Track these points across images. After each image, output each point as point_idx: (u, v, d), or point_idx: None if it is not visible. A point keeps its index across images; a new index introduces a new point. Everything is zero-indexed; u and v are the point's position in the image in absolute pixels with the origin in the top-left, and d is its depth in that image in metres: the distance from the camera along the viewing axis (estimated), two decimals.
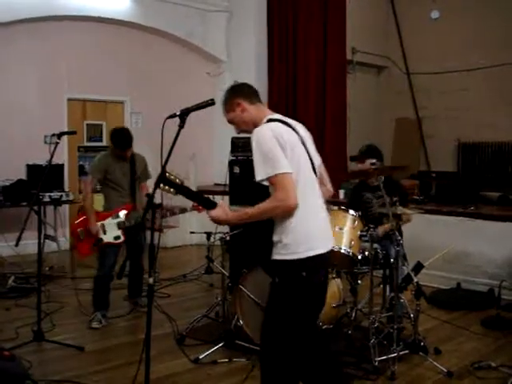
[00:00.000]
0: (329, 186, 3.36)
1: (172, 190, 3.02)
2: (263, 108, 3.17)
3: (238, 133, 3.25)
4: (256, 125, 3.04)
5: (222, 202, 3.04)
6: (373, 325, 4.53)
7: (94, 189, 5.52)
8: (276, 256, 2.94)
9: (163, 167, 2.94)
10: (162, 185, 2.99)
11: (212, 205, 3.00)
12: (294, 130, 3.00)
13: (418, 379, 4.20)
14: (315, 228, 2.97)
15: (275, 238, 2.94)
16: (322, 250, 2.96)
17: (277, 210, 2.84)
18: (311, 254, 2.89)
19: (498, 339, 5.05)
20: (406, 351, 4.48)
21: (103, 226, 5.35)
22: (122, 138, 5.46)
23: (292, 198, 2.81)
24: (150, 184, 5.67)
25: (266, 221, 2.94)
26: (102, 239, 5.31)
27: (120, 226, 5.36)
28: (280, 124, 2.96)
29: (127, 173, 5.52)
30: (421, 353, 4.50)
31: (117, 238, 5.36)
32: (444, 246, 5.46)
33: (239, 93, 3.15)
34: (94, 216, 5.33)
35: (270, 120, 3.01)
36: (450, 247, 5.44)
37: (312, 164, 3.05)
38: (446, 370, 4.25)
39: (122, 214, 5.40)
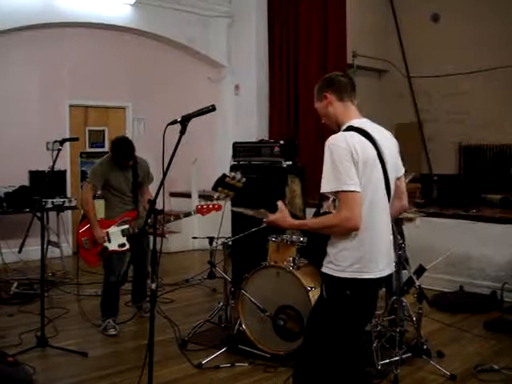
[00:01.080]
0: (404, 200, 3.12)
1: (231, 193, 3.02)
2: (352, 109, 2.95)
3: (323, 123, 3.07)
4: (339, 124, 2.92)
5: (282, 205, 2.96)
6: (375, 328, 4.54)
7: (94, 195, 5.44)
8: (325, 269, 2.82)
9: (165, 172, 2.95)
10: (220, 188, 2.99)
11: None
12: (372, 140, 2.78)
13: (421, 382, 4.20)
14: (374, 252, 2.78)
15: (329, 249, 2.81)
16: (374, 275, 2.78)
17: (336, 228, 2.71)
18: (360, 276, 2.74)
19: (501, 342, 5.05)
20: (409, 354, 4.49)
21: (107, 234, 5.32)
22: (125, 149, 5.36)
23: (356, 219, 2.66)
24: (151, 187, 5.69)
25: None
26: (107, 247, 5.29)
27: (124, 233, 5.34)
28: (356, 134, 2.76)
29: (129, 179, 5.46)
30: (424, 356, 4.51)
31: (122, 245, 5.33)
32: (446, 249, 5.48)
33: (331, 85, 2.96)
34: (97, 223, 5.30)
35: (350, 127, 2.82)
36: (452, 250, 5.45)
37: (387, 179, 2.84)
38: (449, 373, 4.25)
39: (126, 221, 5.39)
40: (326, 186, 2.71)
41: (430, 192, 8.50)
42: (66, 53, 8.91)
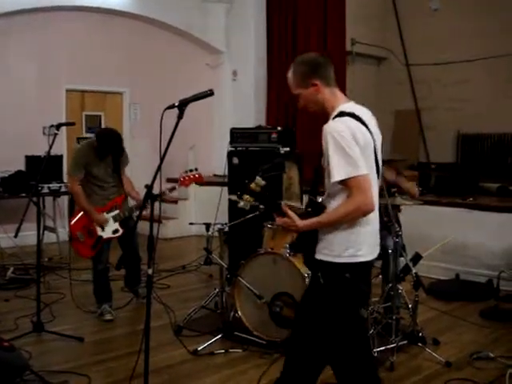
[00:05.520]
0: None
1: (252, 198, 2.96)
2: (338, 94, 2.91)
3: (300, 108, 2.96)
4: (324, 110, 2.87)
5: (286, 208, 2.82)
6: (371, 315, 4.54)
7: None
8: (320, 255, 2.80)
9: (162, 158, 2.93)
10: (247, 196, 2.93)
11: (281, 213, 2.83)
12: (365, 124, 2.77)
13: (416, 370, 4.21)
14: (368, 234, 2.81)
15: (322, 235, 2.79)
16: (366, 258, 2.81)
17: (355, 215, 2.68)
18: (355, 260, 2.76)
19: (497, 330, 5.06)
20: (405, 342, 4.50)
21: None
22: (114, 145, 5.15)
23: (371, 201, 2.67)
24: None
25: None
26: (101, 236, 5.23)
27: (116, 219, 5.28)
28: (353, 120, 2.73)
29: (109, 164, 5.28)
30: (419, 343, 4.52)
31: (115, 231, 5.29)
32: (443, 237, 5.47)
33: (318, 72, 2.85)
34: (93, 209, 5.18)
35: (343, 113, 2.76)
36: (449, 238, 5.44)
37: (377, 163, 2.84)
38: (444, 361, 4.26)
39: (116, 206, 5.30)
40: (341, 174, 2.63)
41: (428, 180, 8.50)
42: (64, 37, 8.85)
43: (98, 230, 5.25)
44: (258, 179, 3.04)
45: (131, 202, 5.50)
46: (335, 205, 2.74)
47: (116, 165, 5.33)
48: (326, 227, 2.76)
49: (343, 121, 2.71)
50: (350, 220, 2.71)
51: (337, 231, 2.74)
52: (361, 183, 2.64)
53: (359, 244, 2.76)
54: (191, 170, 5.17)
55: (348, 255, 2.74)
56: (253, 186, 2.99)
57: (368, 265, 2.86)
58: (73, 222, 5.28)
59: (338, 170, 2.64)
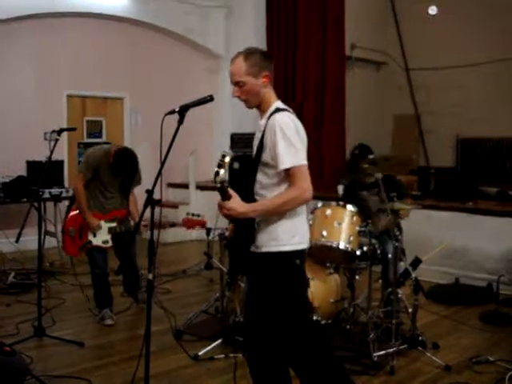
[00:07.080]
0: None
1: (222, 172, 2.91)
2: (273, 92, 3.05)
3: (235, 97, 3.01)
4: (260, 105, 3.01)
5: (232, 191, 2.88)
6: (371, 320, 4.55)
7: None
8: (269, 248, 2.93)
9: (162, 163, 2.95)
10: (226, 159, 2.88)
11: (228, 197, 2.85)
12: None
13: (416, 373, 4.22)
14: (304, 222, 3.05)
15: (265, 228, 2.93)
16: (306, 245, 3.04)
17: (298, 201, 2.86)
18: (302, 247, 2.98)
19: (496, 334, 5.08)
20: (405, 346, 4.51)
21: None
22: (129, 167, 5.15)
23: (311, 189, 2.85)
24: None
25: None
26: (90, 241, 5.23)
27: (111, 231, 5.26)
28: (295, 116, 2.96)
29: (119, 180, 5.30)
30: (419, 347, 4.53)
31: (105, 242, 5.26)
32: (442, 242, 5.48)
33: (270, 66, 3.00)
34: (90, 212, 5.20)
35: (281, 109, 2.96)
36: (448, 242, 5.45)
37: None
38: (444, 365, 4.27)
39: (115, 219, 5.31)
40: (288, 162, 2.82)
41: (427, 184, 8.52)
42: (65, 43, 8.88)
43: (90, 234, 5.26)
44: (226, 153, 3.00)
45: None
46: (271, 196, 2.91)
47: (125, 183, 5.35)
48: (270, 212, 2.88)
49: (288, 115, 2.93)
50: (292, 207, 2.88)
51: (281, 221, 2.90)
52: (303, 172, 2.85)
53: (302, 232, 3.00)
54: (198, 216, 5.15)
55: (295, 243, 2.93)
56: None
57: (306, 252, 3.06)
58: (69, 215, 5.30)
59: (284, 160, 2.83)
